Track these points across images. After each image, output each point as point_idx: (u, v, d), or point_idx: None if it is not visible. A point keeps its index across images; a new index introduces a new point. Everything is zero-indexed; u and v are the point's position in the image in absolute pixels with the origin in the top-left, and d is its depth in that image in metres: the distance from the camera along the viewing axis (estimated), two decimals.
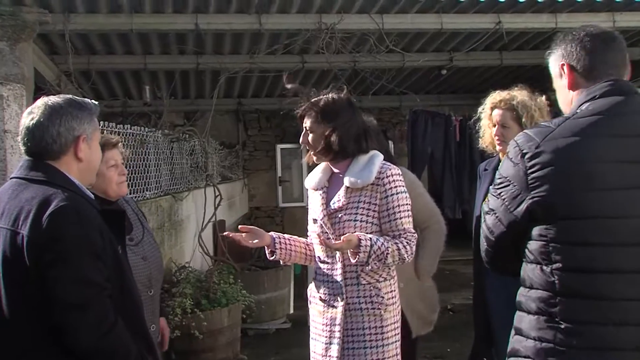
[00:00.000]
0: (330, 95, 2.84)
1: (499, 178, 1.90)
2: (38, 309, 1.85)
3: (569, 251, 1.75)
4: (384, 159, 2.81)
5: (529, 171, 1.80)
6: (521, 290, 1.89)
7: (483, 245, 2.00)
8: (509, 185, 1.85)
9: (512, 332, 1.91)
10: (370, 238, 2.64)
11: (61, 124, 1.99)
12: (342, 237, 2.61)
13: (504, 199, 1.86)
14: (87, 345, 1.85)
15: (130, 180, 4.63)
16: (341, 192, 2.75)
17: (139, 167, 4.91)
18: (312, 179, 2.92)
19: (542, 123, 1.94)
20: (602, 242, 1.72)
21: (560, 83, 1.99)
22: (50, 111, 2.00)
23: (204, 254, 6.54)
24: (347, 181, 2.72)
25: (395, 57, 7.46)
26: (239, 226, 2.88)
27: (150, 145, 5.36)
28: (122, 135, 4.52)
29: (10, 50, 5.00)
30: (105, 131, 3.96)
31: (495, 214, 1.90)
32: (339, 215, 2.73)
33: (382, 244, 2.64)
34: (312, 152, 2.84)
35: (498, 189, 1.90)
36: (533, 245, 1.82)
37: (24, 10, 5.17)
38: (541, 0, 6.34)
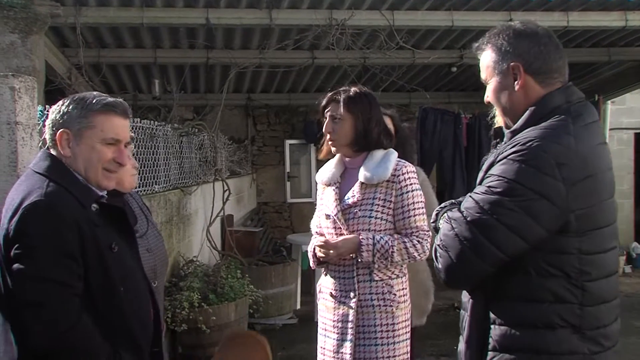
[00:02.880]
0: (354, 87, 2.82)
1: (516, 189, 1.69)
2: (7, 304, 1.85)
3: (597, 260, 1.75)
4: (401, 156, 2.81)
5: (569, 184, 1.68)
6: (530, 306, 1.74)
7: (459, 260, 1.76)
8: (537, 199, 1.67)
9: (524, 355, 1.75)
10: (373, 237, 2.63)
11: (55, 112, 2.02)
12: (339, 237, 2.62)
13: (531, 215, 1.67)
14: (40, 343, 1.83)
15: (139, 174, 4.63)
16: (356, 188, 2.73)
17: (149, 160, 4.92)
18: (325, 174, 2.89)
19: (550, 125, 1.76)
20: (610, 248, 1.80)
21: (501, 83, 1.88)
22: (61, 102, 2.05)
23: (212, 248, 6.56)
24: (362, 177, 2.71)
25: (405, 53, 7.44)
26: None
27: (160, 139, 5.36)
28: (132, 128, 4.52)
29: (22, 42, 5.03)
30: None
31: (509, 228, 1.69)
32: (354, 211, 2.71)
33: (386, 242, 2.63)
34: (334, 142, 2.79)
35: (515, 201, 1.68)
36: (559, 259, 1.72)
37: (36, 2, 5.19)
38: None
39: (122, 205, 2.20)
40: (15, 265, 1.81)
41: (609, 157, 1.84)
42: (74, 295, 1.87)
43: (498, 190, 1.71)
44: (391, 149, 2.79)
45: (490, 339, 1.81)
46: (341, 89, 2.82)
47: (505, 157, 1.74)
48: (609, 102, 9.88)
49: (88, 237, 1.90)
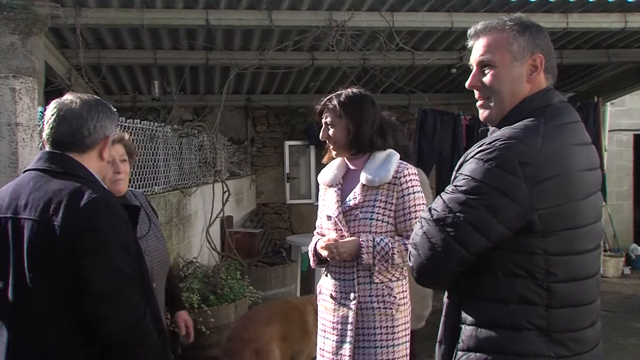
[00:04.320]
0: (349, 90, 2.82)
1: (480, 187, 1.69)
2: (67, 300, 1.87)
3: (566, 262, 1.73)
4: (400, 157, 2.81)
5: (532, 182, 1.66)
6: (497, 307, 1.74)
7: (427, 258, 1.76)
8: (500, 198, 1.66)
9: (491, 355, 1.75)
10: (373, 238, 2.63)
11: (98, 119, 2.05)
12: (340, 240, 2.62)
13: (493, 213, 1.67)
14: (117, 335, 1.87)
15: (139, 175, 4.65)
16: (357, 190, 2.74)
17: (148, 161, 4.93)
18: (327, 175, 2.90)
19: (521, 125, 1.77)
20: (585, 250, 1.78)
21: (516, 71, 1.86)
22: (89, 105, 2.06)
23: (212, 249, 6.56)
24: (363, 179, 2.71)
25: (405, 55, 7.45)
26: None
27: (160, 140, 5.37)
28: (132, 129, 4.53)
29: (22, 44, 5.03)
30: None
31: (472, 226, 1.69)
32: (355, 213, 2.72)
33: (386, 243, 2.63)
34: (332, 147, 2.82)
35: (479, 199, 1.69)
36: (525, 259, 1.71)
37: (36, 4, 5.19)
38: (552, 0, 6.30)
39: (139, 206, 2.33)
40: (86, 260, 1.85)
41: (588, 157, 1.81)
42: (135, 287, 1.94)
43: (463, 189, 1.72)
44: (392, 151, 2.79)
45: (460, 339, 1.82)
46: (335, 93, 2.83)
47: (472, 157, 1.76)
48: (608, 103, 9.89)
49: (130, 232, 2.00)
